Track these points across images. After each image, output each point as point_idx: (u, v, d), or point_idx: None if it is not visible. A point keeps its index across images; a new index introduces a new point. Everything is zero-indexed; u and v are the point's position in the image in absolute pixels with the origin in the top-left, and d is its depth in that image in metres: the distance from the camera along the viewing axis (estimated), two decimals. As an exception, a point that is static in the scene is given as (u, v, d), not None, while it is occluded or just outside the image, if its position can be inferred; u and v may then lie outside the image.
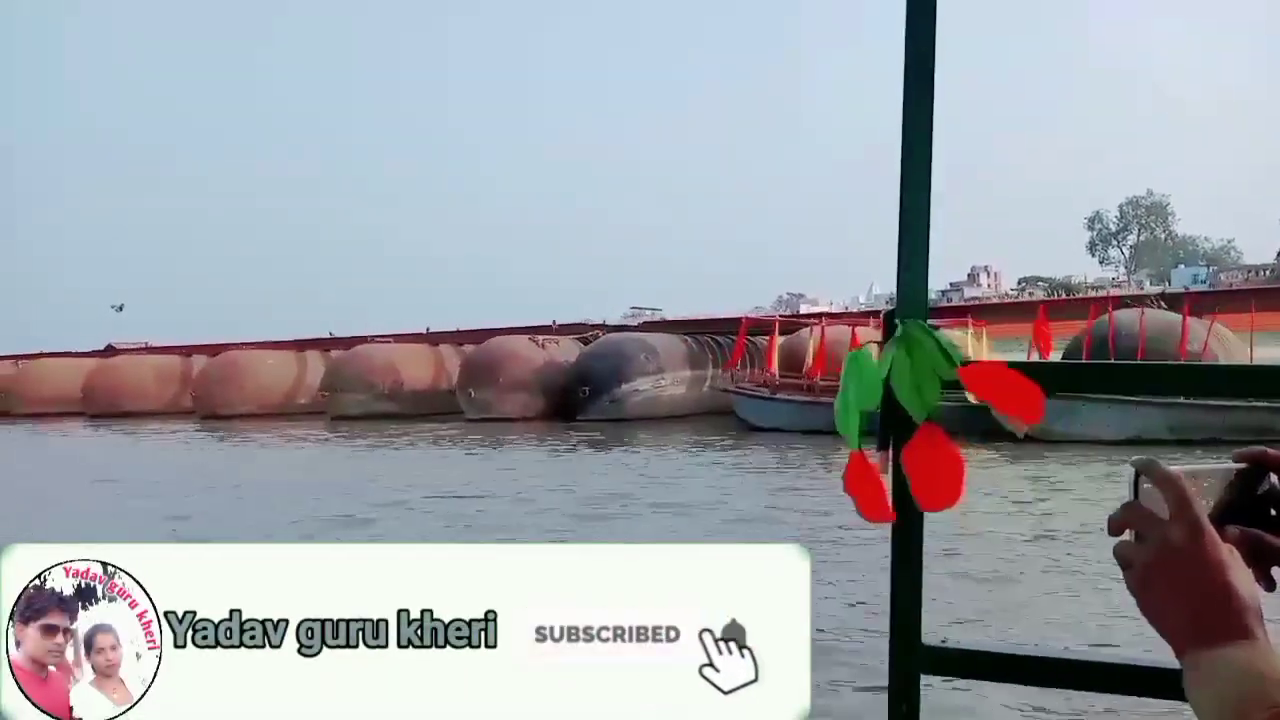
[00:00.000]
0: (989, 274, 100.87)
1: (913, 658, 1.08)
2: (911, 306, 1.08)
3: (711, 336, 29.72)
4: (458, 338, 33.63)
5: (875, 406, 1.05)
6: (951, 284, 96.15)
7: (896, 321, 1.07)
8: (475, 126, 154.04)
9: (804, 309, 57.29)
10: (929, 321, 1.08)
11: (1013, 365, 1.04)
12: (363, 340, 32.57)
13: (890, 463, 1.05)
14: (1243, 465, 0.83)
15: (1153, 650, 0.79)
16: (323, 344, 34.91)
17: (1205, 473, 0.81)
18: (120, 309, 67.35)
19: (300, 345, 34.76)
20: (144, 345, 41.78)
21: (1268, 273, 71.19)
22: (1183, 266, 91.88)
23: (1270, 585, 0.81)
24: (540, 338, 28.75)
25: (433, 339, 33.88)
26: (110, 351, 40.24)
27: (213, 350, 35.68)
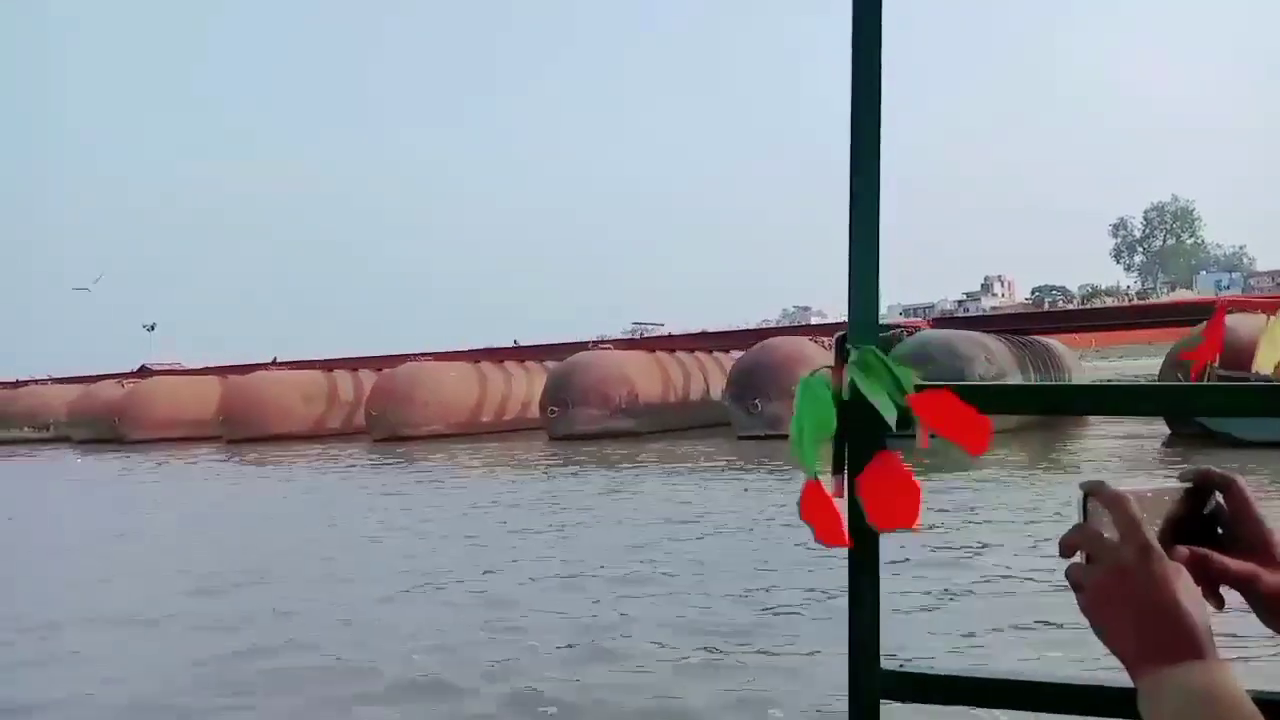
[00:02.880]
0: (1003, 284, 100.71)
1: (871, 682, 1.06)
2: (863, 331, 1.07)
3: (1012, 336, 24.78)
4: (670, 343, 29.53)
5: (830, 435, 1.03)
6: (966, 294, 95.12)
7: (848, 347, 1.06)
8: (464, 139, 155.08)
9: (814, 321, 57.50)
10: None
11: (955, 389, 1.02)
12: (565, 347, 28.21)
13: (846, 487, 1.04)
14: (1189, 485, 0.84)
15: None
16: (497, 355, 30.49)
17: (1153, 493, 0.82)
18: (152, 328, 66.38)
19: (475, 356, 30.10)
20: (177, 365, 39.16)
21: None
22: (1204, 272, 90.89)
23: (1219, 604, 0.81)
24: (823, 339, 24.08)
25: (648, 345, 29.70)
26: (145, 373, 38.05)
27: (353, 365, 31.92)
